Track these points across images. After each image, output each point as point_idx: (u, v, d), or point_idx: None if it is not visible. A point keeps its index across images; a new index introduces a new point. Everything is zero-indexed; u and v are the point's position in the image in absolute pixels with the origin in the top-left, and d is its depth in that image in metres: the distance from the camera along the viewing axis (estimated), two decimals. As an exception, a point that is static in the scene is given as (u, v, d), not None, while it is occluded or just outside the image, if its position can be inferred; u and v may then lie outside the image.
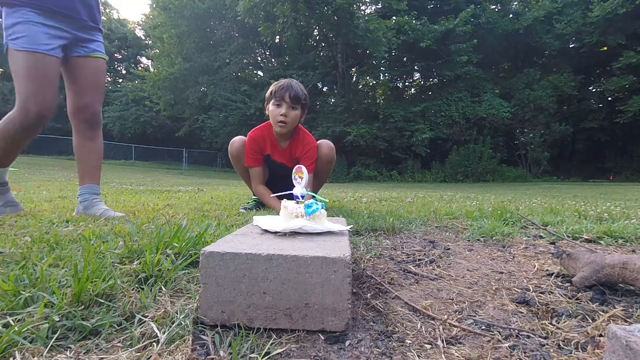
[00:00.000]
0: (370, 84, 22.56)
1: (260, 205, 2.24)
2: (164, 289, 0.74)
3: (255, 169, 2.18)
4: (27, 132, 1.55)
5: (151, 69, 26.15)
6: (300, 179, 0.97)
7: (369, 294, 0.80)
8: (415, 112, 17.64)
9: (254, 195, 2.32)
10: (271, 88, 2.10)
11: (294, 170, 0.98)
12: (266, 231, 0.84)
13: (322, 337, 0.60)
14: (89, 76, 1.72)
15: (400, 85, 22.96)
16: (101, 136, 1.81)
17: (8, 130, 1.54)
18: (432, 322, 0.67)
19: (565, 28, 18.60)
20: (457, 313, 0.71)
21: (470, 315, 0.70)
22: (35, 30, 1.51)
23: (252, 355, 0.53)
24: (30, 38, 1.50)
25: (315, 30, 20.78)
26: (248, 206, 2.23)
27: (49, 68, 1.53)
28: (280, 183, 2.06)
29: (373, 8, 20.48)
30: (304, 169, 0.98)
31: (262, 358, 0.52)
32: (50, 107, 1.54)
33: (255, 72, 24.12)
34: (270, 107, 2.08)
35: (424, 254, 1.18)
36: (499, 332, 0.63)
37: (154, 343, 0.54)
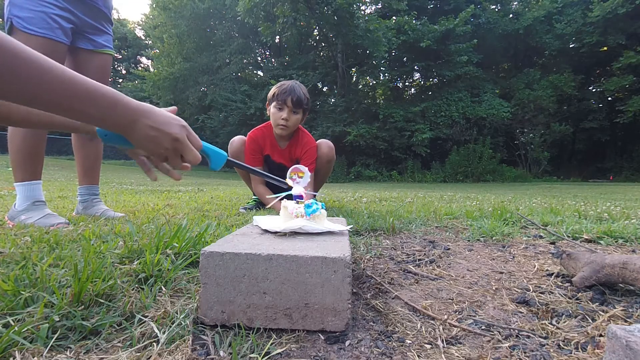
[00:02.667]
0: (370, 84, 22.57)
1: (260, 205, 2.24)
2: (164, 289, 0.74)
3: (255, 168, 2.19)
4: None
5: (151, 69, 26.17)
6: (300, 178, 0.97)
7: (369, 294, 0.80)
8: (415, 112, 17.64)
9: (254, 195, 2.32)
10: (274, 90, 2.09)
11: (290, 170, 0.97)
12: (266, 231, 0.84)
13: (322, 337, 0.60)
14: (93, 73, 1.61)
15: (400, 85, 22.97)
16: None
17: (19, 129, 1.44)
18: (432, 322, 0.67)
19: (565, 28, 18.61)
20: (457, 313, 0.71)
21: (470, 315, 0.70)
22: (44, 9, 1.39)
23: (252, 355, 0.53)
24: (38, 19, 1.38)
25: (315, 30, 20.79)
26: (248, 206, 2.23)
27: (53, 56, 1.45)
28: (277, 185, 2.06)
29: (373, 8, 20.51)
30: (303, 167, 0.97)
31: (262, 358, 0.52)
32: None
33: (255, 72, 24.14)
34: (272, 109, 2.08)
35: (424, 254, 1.18)
36: (499, 332, 0.63)
37: (154, 343, 0.54)
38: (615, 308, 0.72)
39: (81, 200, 1.75)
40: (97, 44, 1.66)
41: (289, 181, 0.96)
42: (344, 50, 18.42)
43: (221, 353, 0.53)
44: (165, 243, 0.93)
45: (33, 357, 0.49)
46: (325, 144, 2.22)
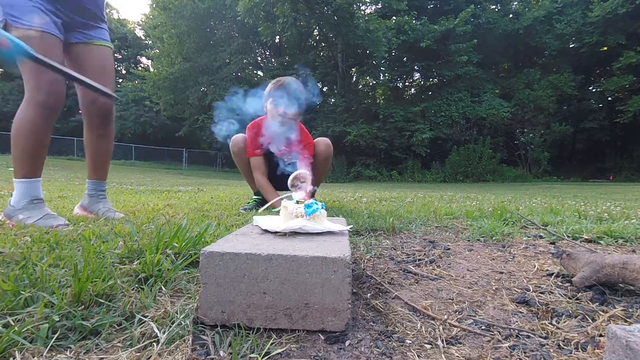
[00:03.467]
0: (370, 84, 22.55)
1: (261, 205, 2.24)
2: (164, 289, 0.74)
3: (257, 158, 2.19)
4: (46, 118, 1.46)
5: (151, 69, 26.12)
6: (302, 184, 0.97)
7: (369, 294, 0.80)
8: (415, 112, 17.64)
9: (255, 194, 2.32)
10: (270, 86, 2.10)
11: (292, 177, 0.98)
12: (266, 231, 0.84)
13: (322, 337, 0.60)
14: (95, 65, 1.61)
15: (400, 85, 22.97)
16: (113, 133, 1.79)
17: (26, 125, 1.44)
18: (432, 322, 0.67)
19: (565, 28, 18.60)
20: (457, 313, 0.71)
21: (470, 315, 0.70)
22: (34, 4, 1.42)
23: (252, 355, 0.53)
24: (32, 13, 1.40)
25: (315, 30, 20.77)
26: (248, 206, 2.23)
27: (53, 50, 1.43)
28: (278, 180, 2.08)
29: (373, 8, 20.48)
30: (304, 173, 0.98)
31: (262, 358, 0.52)
32: (61, 88, 1.46)
33: (255, 72, 24.10)
34: (269, 106, 2.08)
35: (424, 254, 1.18)
36: (499, 332, 0.63)
37: (154, 343, 0.54)
38: (615, 308, 0.72)
39: (88, 194, 1.77)
40: (90, 36, 1.64)
41: (292, 188, 0.97)
42: (344, 50, 18.41)
43: (221, 353, 0.53)
44: (165, 243, 0.93)
45: (33, 357, 0.49)
46: (323, 142, 2.23)
